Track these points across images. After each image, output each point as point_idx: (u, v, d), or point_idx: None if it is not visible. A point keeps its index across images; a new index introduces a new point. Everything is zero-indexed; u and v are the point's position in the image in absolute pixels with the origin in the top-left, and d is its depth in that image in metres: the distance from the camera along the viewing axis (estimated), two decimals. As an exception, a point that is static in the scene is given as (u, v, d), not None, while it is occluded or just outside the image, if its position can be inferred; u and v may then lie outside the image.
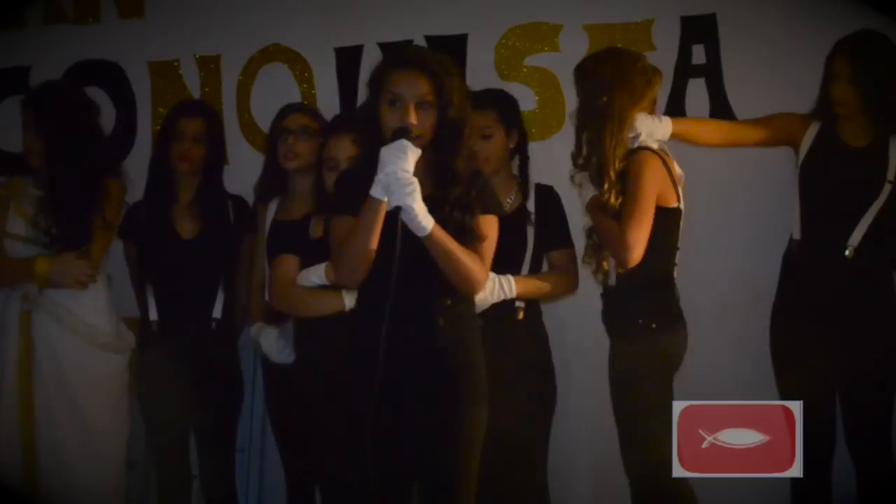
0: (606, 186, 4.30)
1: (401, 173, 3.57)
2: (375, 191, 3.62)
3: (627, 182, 4.30)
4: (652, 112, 4.41)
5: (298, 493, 4.92)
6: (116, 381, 4.81)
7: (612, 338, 4.45)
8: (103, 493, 4.73)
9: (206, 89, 5.52)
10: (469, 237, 3.72)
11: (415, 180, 3.59)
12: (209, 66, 5.53)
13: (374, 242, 3.67)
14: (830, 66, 4.54)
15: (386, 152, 3.61)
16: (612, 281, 4.39)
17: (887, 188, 4.50)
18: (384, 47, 5.28)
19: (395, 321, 3.67)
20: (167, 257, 4.89)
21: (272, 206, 4.89)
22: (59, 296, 4.72)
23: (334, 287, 4.41)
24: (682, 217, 4.40)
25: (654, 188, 4.28)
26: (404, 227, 3.63)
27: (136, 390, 4.93)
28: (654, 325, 4.33)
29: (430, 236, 3.64)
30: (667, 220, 4.32)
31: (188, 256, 4.88)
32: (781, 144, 4.70)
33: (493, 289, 4.40)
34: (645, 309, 4.35)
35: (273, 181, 4.90)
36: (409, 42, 5.25)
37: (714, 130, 4.64)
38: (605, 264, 4.37)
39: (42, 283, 4.69)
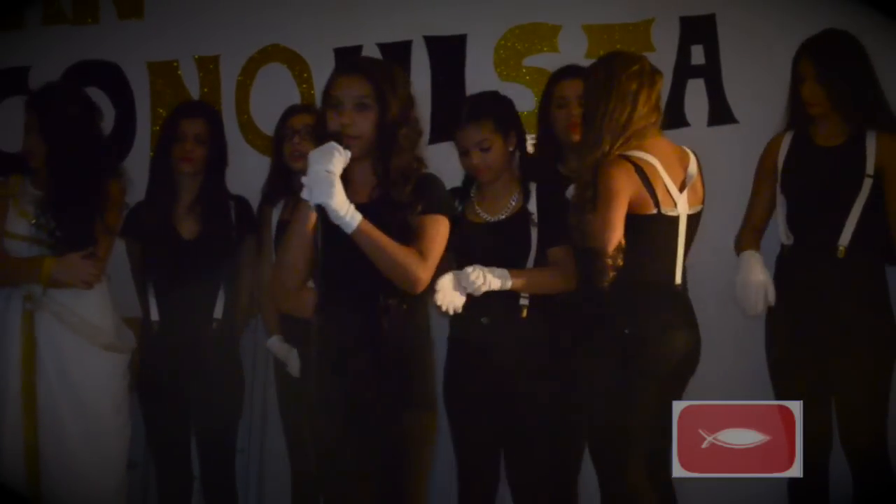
0: (579, 190, 4.31)
1: (322, 173, 3.60)
2: (302, 193, 3.66)
3: (597, 186, 4.29)
4: (658, 114, 4.37)
5: (303, 496, 4.92)
6: (119, 381, 4.80)
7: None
8: (106, 493, 4.72)
9: (206, 90, 5.52)
10: (410, 236, 3.72)
11: (335, 179, 3.61)
12: (208, 67, 5.53)
13: (305, 244, 3.72)
14: (796, 68, 4.58)
15: (313, 154, 3.65)
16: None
17: (868, 183, 4.50)
18: (383, 48, 5.29)
19: (340, 322, 3.73)
20: (169, 257, 4.89)
21: (279, 207, 4.89)
22: (63, 296, 4.71)
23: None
24: (679, 224, 4.32)
25: (622, 188, 4.22)
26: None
27: (137, 390, 4.94)
28: (626, 331, 4.30)
29: (356, 233, 3.65)
30: (645, 227, 4.26)
31: (190, 257, 4.88)
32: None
33: (483, 279, 4.37)
34: (620, 316, 4.31)
35: (279, 182, 4.91)
36: (408, 43, 5.26)
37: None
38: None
39: (47, 283, 4.69)
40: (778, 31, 4.88)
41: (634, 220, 4.24)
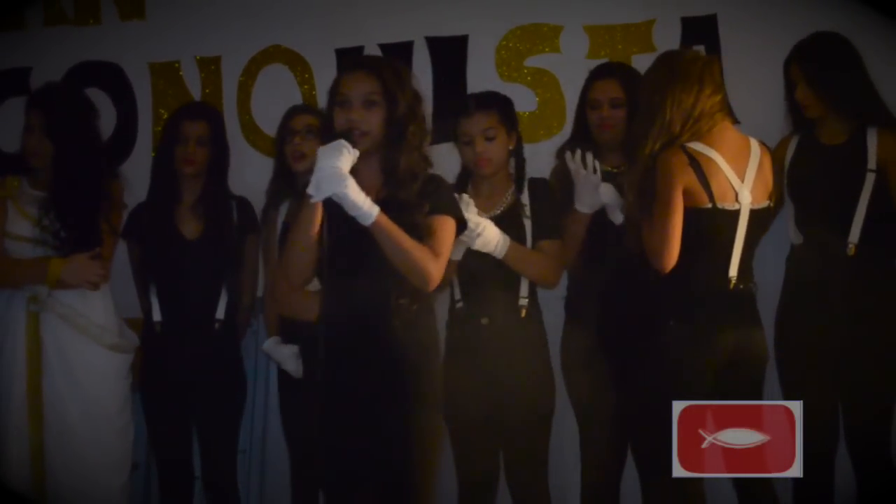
0: (635, 179, 4.30)
1: (330, 169, 3.59)
2: (309, 188, 3.64)
3: (655, 176, 4.28)
4: (723, 95, 4.36)
5: (303, 497, 4.92)
6: (123, 381, 4.81)
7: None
8: (111, 493, 4.74)
9: (207, 90, 5.53)
10: (420, 235, 3.71)
11: (347, 174, 3.59)
12: (210, 68, 5.54)
13: (310, 243, 3.69)
14: (787, 73, 4.60)
15: (321, 151, 3.64)
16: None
17: (871, 177, 4.50)
18: (384, 48, 5.29)
19: (349, 321, 3.71)
20: (171, 258, 4.90)
21: (283, 210, 4.89)
22: (69, 297, 4.72)
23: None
24: (739, 218, 4.28)
25: (676, 185, 4.22)
26: (352, 224, 3.63)
27: (139, 391, 4.94)
28: (671, 323, 4.29)
29: (375, 225, 3.64)
30: (698, 220, 4.24)
31: (191, 257, 4.89)
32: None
33: (497, 240, 4.40)
34: (670, 310, 4.33)
35: (282, 184, 4.91)
36: (410, 44, 5.27)
37: None
38: None
39: (54, 285, 4.69)
40: (779, 31, 4.86)
41: (687, 213, 4.23)
